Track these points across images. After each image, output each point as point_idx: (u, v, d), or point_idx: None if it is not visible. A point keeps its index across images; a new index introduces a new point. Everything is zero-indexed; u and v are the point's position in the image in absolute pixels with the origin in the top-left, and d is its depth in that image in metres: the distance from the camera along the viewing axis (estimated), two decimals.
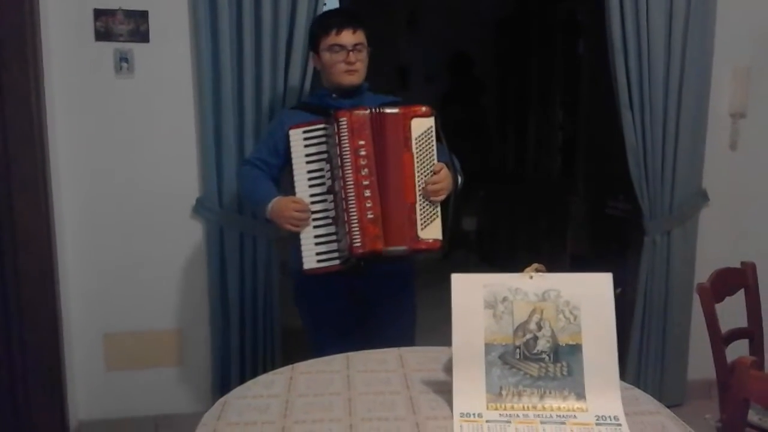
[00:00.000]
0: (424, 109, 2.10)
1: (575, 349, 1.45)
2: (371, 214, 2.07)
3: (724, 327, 2.09)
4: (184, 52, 2.68)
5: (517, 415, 1.42)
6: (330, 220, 2.12)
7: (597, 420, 1.41)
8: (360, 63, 2.20)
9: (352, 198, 2.06)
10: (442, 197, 2.12)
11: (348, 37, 2.18)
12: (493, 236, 5.54)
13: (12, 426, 2.62)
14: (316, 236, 2.12)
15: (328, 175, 2.11)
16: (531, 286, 1.48)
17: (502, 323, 1.47)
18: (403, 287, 2.33)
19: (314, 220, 2.12)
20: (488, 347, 1.46)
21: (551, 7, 5.16)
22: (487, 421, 1.42)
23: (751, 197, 3.16)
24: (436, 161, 2.11)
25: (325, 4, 2.68)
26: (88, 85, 2.65)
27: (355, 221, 2.06)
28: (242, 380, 2.01)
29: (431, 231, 2.11)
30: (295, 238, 2.14)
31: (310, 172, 2.12)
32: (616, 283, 1.49)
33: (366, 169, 2.07)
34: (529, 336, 1.46)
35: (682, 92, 2.89)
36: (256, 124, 2.66)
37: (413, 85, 6.25)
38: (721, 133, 3.09)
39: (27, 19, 2.43)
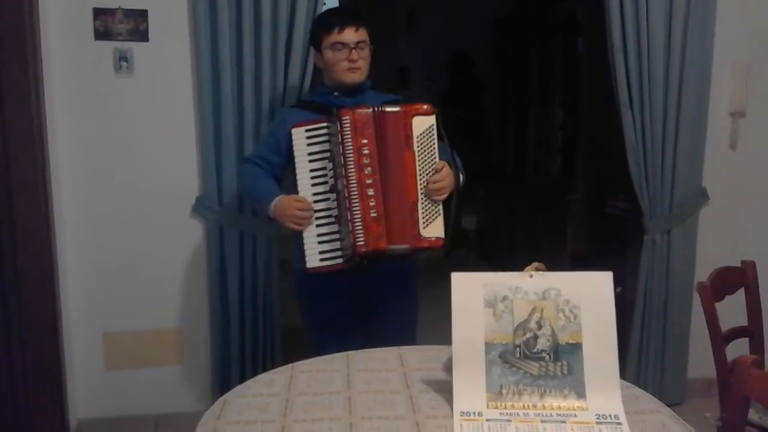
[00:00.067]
0: (425, 107, 2.10)
1: (575, 347, 1.45)
2: (374, 212, 2.07)
3: (724, 326, 2.09)
4: (184, 51, 2.67)
5: (518, 414, 1.42)
6: (333, 219, 2.12)
7: (597, 419, 1.41)
8: (362, 61, 2.20)
9: (355, 197, 2.06)
10: (444, 195, 2.12)
11: (350, 34, 2.18)
12: (493, 235, 5.54)
13: (12, 425, 2.62)
14: (319, 235, 2.12)
15: (331, 173, 2.11)
16: (531, 285, 1.48)
17: (502, 322, 1.47)
18: (405, 286, 2.34)
19: (317, 218, 2.12)
20: (488, 346, 1.46)
21: (551, 6, 5.17)
22: (487, 420, 1.41)
23: (751, 196, 3.15)
24: (437, 159, 2.11)
25: (324, 3, 2.68)
26: (87, 85, 2.64)
27: (359, 220, 2.06)
28: (242, 379, 2.02)
29: (433, 229, 2.11)
30: (297, 237, 2.14)
31: (312, 170, 2.12)
32: (616, 282, 1.49)
33: (369, 168, 2.07)
34: (529, 335, 1.46)
35: (682, 91, 2.89)
36: (256, 123, 2.66)
37: (413, 84, 6.25)
38: (721, 132, 3.09)
39: (26, 18, 2.43)
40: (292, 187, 2.15)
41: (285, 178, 2.26)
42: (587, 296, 1.47)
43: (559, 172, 5.25)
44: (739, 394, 1.56)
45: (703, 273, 2.49)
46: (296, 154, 2.12)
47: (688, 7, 2.84)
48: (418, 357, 1.77)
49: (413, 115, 2.09)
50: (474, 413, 1.43)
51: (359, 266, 2.11)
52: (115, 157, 2.71)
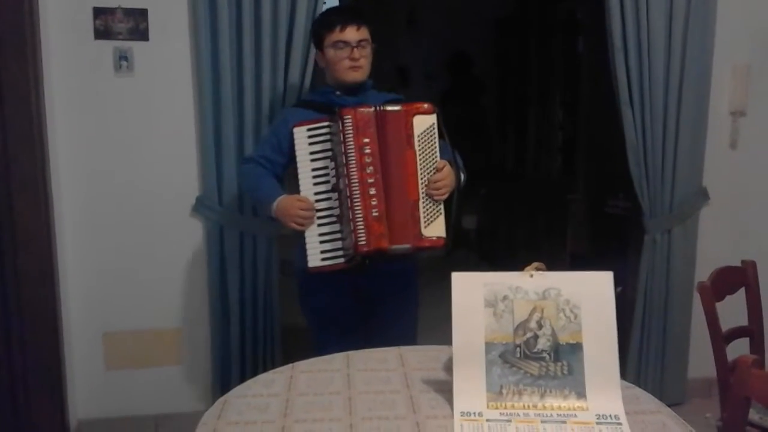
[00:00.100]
0: (426, 106, 2.10)
1: (576, 347, 1.45)
2: (376, 212, 2.07)
3: (725, 325, 2.08)
4: (184, 50, 2.67)
5: (518, 414, 1.42)
6: (335, 219, 2.11)
7: (597, 419, 1.40)
8: (364, 59, 2.20)
9: (357, 196, 2.06)
10: (445, 195, 2.12)
11: (352, 33, 2.18)
12: (494, 235, 5.54)
13: (12, 425, 2.62)
14: (321, 234, 2.12)
15: (333, 173, 2.11)
16: (531, 285, 1.48)
17: (502, 322, 1.47)
18: (406, 286, 2.33)
19: (319, 218, 2.12)
20: (488, 346, 1.46)
21: (551, 6, 5.17)
22: (487, 420, 1.41)
23: (752, 195, 3.15)
24: (438, 158, 2.11)
25: (324, 2, 2.68)
26: (87, 84, 2.64)
27: (360, 219, 2.06)
28: (242, 379, 2.01)
29: (435, 228, 2.11)
30: (299, 237, 2.14)
31: (314, 170, 2.12)
32: (617, 282, 1.49)
33: (371, 167, 2.07)
34: (529, 335, 1.46)
35: (683, 90, 2.89)
36: (256, 122, 2.65)
37: (413, 84, 6.25)
38: (722, 131, 3.09)
39: (26, 18, 2.43)
40: (293, 187, 2.15)
41: (287, 177, 2.25)
42: (588, 296, 1.47)
43: (560, 171, 5.25)
44: (740, 394, 1.56)
45: (703, 273, 2.49)
46: (298, 153, 2.12)
47: (688, 7, 2.84)
48: (418, 357, 1.77)
49: (414, 114, 2.08)
50: (474, 413, 1.43)
51: (361, 266, 2.11)
52: (115, 157, 2.71)
